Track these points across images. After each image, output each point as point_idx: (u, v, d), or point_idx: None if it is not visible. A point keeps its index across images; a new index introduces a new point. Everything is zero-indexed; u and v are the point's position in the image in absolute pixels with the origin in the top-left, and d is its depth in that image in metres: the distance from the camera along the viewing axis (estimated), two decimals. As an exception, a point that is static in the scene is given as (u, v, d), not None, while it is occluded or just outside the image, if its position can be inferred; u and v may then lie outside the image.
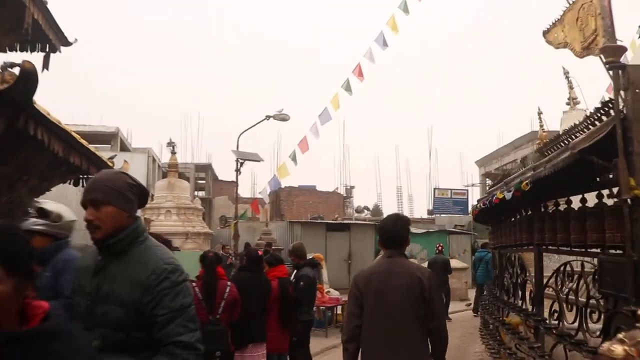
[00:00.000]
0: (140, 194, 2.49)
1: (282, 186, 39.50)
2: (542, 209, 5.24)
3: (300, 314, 6.89)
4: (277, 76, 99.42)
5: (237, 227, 19.95)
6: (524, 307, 6.07)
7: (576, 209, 4.41)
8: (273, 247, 21.29)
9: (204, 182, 46.64)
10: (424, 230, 27.04)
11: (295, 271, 7.66)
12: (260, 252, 6.91)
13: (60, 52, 8.95)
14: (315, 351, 8.71)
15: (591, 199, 4.32)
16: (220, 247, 19.52)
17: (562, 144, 4.60)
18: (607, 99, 15.06)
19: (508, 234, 6.76)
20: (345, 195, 44.20)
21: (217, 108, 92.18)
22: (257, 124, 20.55)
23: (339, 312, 12.85)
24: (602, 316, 4.00)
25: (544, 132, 12.92)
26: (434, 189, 36.72)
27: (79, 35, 8.92)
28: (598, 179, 4.03)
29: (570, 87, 12.76)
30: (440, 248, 15.89)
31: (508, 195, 4.65)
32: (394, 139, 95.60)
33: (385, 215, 4.94)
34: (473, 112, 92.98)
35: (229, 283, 5.90)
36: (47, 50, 8.66)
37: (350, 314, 3.99)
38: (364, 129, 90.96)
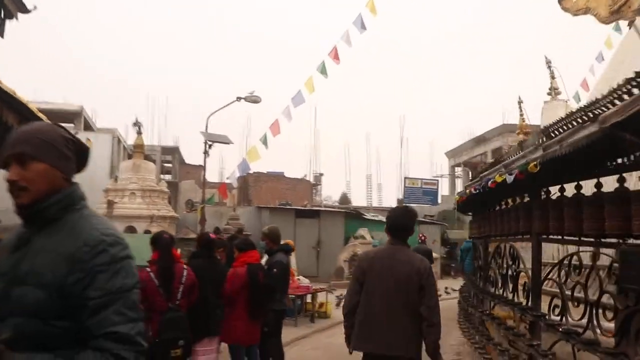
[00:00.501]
0: (77, 152, 1.91)
1: (251, 171, 39.02)
2: (544, 195, 4.80)
3: (272, 302, 6.39)
4: (249, 59, 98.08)
5: (203, 211, 19.28)
6: (516, 300, 5.64)
7: (587, 194, 3.99)
8: (243, 234, 20.74)
9: (170, 165, 45.69)
10: (394, 220, 26.70)
11: (267, 257, 7.15)
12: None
13: (17, 19, 8.41)
14: (285, 341, 8.20)
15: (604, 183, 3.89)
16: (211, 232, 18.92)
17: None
18: (580, 94, 14.73)
19: (498, 222, 6.34)
20: (314, 182, 43.76)
21: (186, 91, 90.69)
22: (227, 105, 19.88)
23: (309, 300, 12.37)
24: (618, 314, 3.59)
25: (524, 122, 12.58)
26: (405, 178, 36.45)
27: (45, 7, 8.23)
28: (622, 159, 3.59)
29: (552, 77, 12.43)
30: (423, 238, 16.15)
31: (509, 178, 4.16)
32: (366, 127, 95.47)
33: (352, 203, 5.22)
34: (444, 103, 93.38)
35: (185, 266, 5.42)
36: (2, 16, 8.16)
37: (351, 291, 4.39)
38: (336, 115, 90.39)
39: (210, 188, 29.10)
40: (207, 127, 19.76)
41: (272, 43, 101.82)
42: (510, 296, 5.91)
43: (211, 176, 43.69)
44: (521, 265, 5.74)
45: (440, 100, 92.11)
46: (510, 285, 5.93)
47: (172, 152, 43.86)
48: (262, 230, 7.51)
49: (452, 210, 31.12)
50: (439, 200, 35.46)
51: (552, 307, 4.55)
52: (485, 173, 6.21)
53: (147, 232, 17.63)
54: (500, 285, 6.42)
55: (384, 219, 21.68)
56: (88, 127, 32.02)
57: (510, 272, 6.04)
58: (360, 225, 23.53)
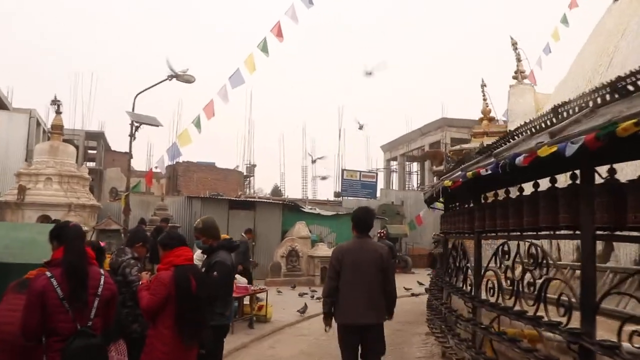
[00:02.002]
0: None
1: (180, 160, 37.09)
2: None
3: (211, 316, 4.85)
4: (185, 38, 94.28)
5: (128, 200, 17.46)
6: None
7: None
8: (170, 225, 19.00)
9: (95, 152, 42.99)
10: (333, 213, 25.55)
11: (205, 257, 5.67)
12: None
13: None
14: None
15: None
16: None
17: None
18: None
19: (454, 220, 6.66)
20: (246, 173, 42.15)
21: (115, 74, 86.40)
22: (158, 83, 18.11)
23: (246, 302, 10.96)
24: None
25: (487, 107, 11.65)
26: (343, 170, 35.26)
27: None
28: None
29: (518, 60, 11.51)
30: (383, 234, 16.34)
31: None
32: (302, 117, 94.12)
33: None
34: (384, 95, 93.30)
35: (102, 271, 3.90)
36: None
37: (329, 278, 5.48)
38: (271, 106, 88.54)
39: (138, 177, 27.16)
40: (133, 107, 17.95)
41: (209, 24, 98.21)
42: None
43: (139, 165, 41.54)
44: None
45: (379, 92, 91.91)
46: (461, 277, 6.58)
47: (97, 137, 41.25)
48: (194, 225, 5.93)
49: (392, 205, 30.31)
50: (378, 194, 34.52)
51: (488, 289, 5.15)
52: (476, 160, 5.10)
53: (55, 221, 15.72)
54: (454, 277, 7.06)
55: (322, 212, 20.88)
56: (3, 106, 29.26)
57: (460, 265, 6.78)
58: (298, 219, 22.18)
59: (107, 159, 42.24)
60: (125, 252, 5.50)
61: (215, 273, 5.12)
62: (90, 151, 42.67)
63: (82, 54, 77.63)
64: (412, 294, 16.59)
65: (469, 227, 5.92)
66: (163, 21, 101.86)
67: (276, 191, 44.95)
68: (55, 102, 20.76)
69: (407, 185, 46.89)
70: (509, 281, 4.67)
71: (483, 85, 11.63)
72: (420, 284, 18.94)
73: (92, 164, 39.96)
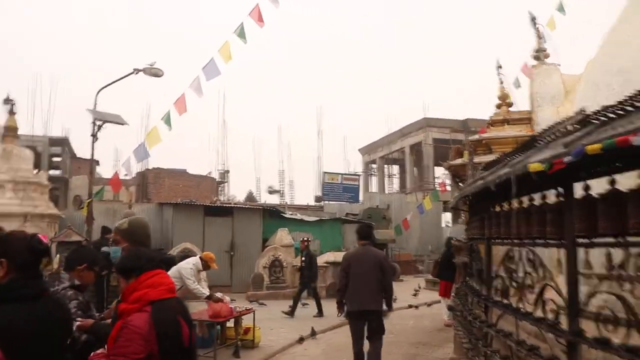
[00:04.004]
0: None
1: (150, 167, 35.09)
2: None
3: None
4: (157, 33, 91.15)
5: (90, 207, 15.54)
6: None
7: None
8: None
9: (60, 159, 40.60)
10: (317, 218, 23.84)
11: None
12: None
13: None
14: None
15: None
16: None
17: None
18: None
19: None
20: (219, 179, 40.26)
21: (78, 75, 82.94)
22: (123, 77, 16.30)
23: (230, 324, 9.17)
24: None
25: (504, 90, 10.08)
26: (324, 172, 33.53)
27: None
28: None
29: (539, 37, 9.99)
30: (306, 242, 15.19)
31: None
32: (278, 119, 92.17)
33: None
34: (363, 96, 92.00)
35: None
36: None
37: (341, 277, 7.24)
38: (245, 108, 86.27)
39: (105, 185, 25.18)
40: (95, 104, 16.09)
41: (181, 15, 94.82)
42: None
43: (107, 172, 39.33)
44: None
45: (359, 93, 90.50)
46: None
47: (62, 143, 38.97)
48: (116, 225, 4.09)
49: (377, 209, 28.70)
50: (361, 198, 32.89)
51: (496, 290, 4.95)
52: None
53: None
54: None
55: (305, 217, 19.29)
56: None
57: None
58: (279, 225, 20.38)
59: (73, 166, 40.02)
60: (60, 278, 3.74)
61: None
62: (55, 158, 40.36)
63: (40, 57, 73.87)
64: (410, 306, 15.14)
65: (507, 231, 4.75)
66: (129, 19, 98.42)
67: (251, 197, 42.99)
68: (8, 101, 18.68)
69: (387, 189, 45.43)
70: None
71: (498, 67, 10.07)
72: (416, 291, 17.58)
73: (57, 172, 37.69)
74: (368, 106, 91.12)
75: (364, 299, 6.85)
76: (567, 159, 2.97)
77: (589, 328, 3.35)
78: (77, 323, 3.21)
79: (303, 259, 14.40)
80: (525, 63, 15.01)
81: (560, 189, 3.64)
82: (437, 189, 27.94)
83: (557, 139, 3.49)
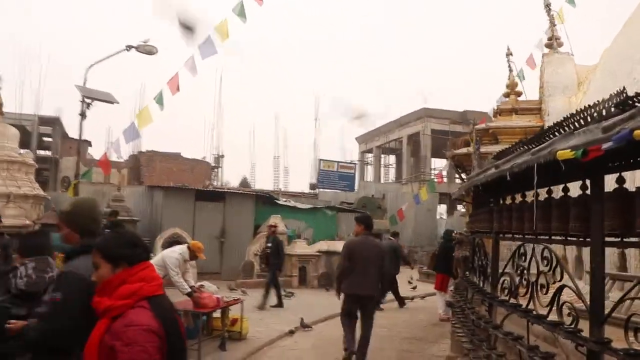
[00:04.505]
0: None
1: (144, 150, 34.50)
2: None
3: None
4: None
5: (77, 189, 15.00)
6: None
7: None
8: (129, 218, 16.50)
9: (50, 139, 39.81)
10: (310, 206, 23.35)
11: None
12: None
13: None
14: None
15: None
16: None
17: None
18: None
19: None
20: (214, 164, 39.66)
21: (73, 53, 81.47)
22: (114, 54, 15.72)
23: (217, 315, 8.70)
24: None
25: (514, 79, 9.59)
26: (320, 160, 33.00)
27: None
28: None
29: (553, 24, 9.49)
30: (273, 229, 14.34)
31: None
32: (275, 105, 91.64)
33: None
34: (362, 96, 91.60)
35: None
36: None
37: (343, 263, 7.46)
38: (241, 93, 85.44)
39: (96, 167, 24.58)
40: (85, 81, 15.52)
41: None
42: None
43: (99, 153, 38.59)
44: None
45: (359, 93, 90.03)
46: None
47: (53, 123, 38.08)
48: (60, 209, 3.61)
49: (372, 198, 28.24)
50: (356, 186, 32.41)
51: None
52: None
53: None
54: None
55: (298, 205, 18.76)
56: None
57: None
58: (272, 212, 19.82)
59: (65, 147, 39.17)
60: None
61: (57, 296, 2.81)
62: (45, 138, 39.58)
63: (33, 33, 72.51)
64: (405, 298, 14.70)
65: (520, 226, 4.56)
66: None
67: (245, 183, 42.39)
68: (-6, 76, 18.00)
69: (383, 179, 44.99)
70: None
71: (509, 54, 9.56)
72: (411, 283, 17.18)
73: (48, 153, 37.00)
74: (368, 106, 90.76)
75: (362, 284, 7.21)
76: (606, 145, 2.62)
77: (612, 333, 3.09)
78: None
79: (269, 244, 13.64)
80: (532, 54, 14.61)
81: (588, 181, 3.37)
82: (434, 179, 27.48)
83: (588, 124, 3.04)
